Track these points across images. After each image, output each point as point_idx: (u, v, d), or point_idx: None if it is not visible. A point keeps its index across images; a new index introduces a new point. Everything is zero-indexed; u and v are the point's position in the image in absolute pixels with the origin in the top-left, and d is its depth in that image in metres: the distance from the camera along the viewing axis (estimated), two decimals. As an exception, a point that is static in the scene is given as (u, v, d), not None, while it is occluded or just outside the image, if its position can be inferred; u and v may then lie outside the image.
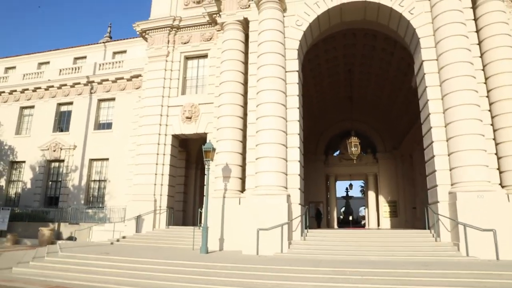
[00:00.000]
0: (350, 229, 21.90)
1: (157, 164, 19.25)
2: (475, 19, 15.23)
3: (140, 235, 17.95)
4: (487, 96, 14.52)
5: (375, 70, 26.02)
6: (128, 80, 25.14)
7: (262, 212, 14.21)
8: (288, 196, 14.83)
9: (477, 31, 15.09)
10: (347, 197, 60.09)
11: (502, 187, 13.75)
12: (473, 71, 14.03)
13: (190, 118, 19.32)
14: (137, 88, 24.62)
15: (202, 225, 14.46)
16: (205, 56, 20.50)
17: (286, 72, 16.16)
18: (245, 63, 17.62)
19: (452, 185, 13.85)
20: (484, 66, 14.74)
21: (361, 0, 15.94)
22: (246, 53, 17.72)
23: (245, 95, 17.37)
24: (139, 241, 17.23)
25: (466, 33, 14.38)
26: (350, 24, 17.99)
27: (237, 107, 17.05)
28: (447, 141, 14.21)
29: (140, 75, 24.17)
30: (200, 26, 20.52)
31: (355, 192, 79.21)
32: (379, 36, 21.05)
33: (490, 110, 14.42)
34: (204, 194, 17.89)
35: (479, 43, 14.93)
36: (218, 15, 18.78)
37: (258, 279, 9.92)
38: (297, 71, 16.44)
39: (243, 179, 16.92)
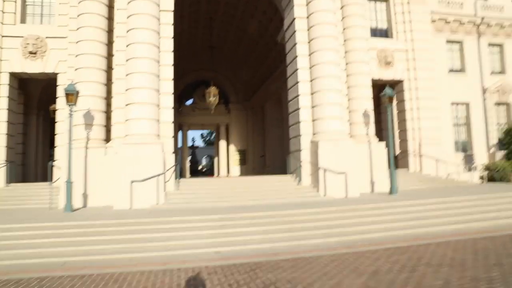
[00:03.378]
0: (216, 177, 22.60)
1: (-11, 108, 15.48)
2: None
3: (-30, 196, 14.51)
4: (344, 57, 16.52)
5: (237, 21, 26.24)
6: None
7: (135, 162, 13.25)
8: (162, 145, 14.21)
9: (341, -2, 16.84)
10: (193, 147, 61.32)
11: (351, 136, 16.24)
12: (337, 33, 15.65)
13: (35, 53, 15.86)
14: None
15: (66, 180, 12.56)
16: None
17: (160, 11, 14.77)
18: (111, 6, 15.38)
19: (314, 134, 15.60)
20: (344, 29, 16.59)
21: None
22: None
23: (110, 32, 15.28)
24: (-28, 203, 13.95)
25: (333, -2, 15.79)
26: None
27: (101, 45, 14.86)
28: (311, 94, 15.74)
29: None
30: None
31: (198, 142, 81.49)
32: (246, -13, 21.13)
33: (346, 70, 16.50)
34: (56, 145, 15.98)
35: (342, 8, 16.64)
36: None
37: (150, 233, 9.41)
38: (172, 11, 15.21)
39: (107, 127, 15.32)
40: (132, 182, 12.95)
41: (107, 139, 15.20)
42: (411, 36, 19.74)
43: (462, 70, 24.42)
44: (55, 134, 16.13)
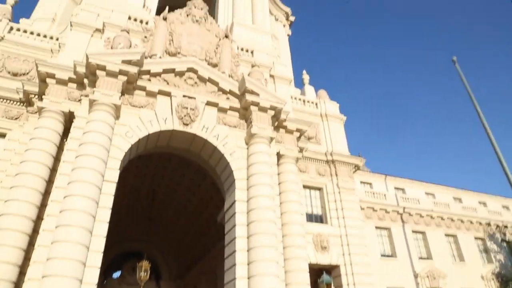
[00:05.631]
0: None
1: None
2: (278, 174, 18.50)
3: None
4: (282, 241, 16.78)
5: (179, 196, 26.68)
6: None
7: None
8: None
9: (279, 184, 18.22)
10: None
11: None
12: (275, 218, 16.28)
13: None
14: None
15: None
16: (2, 135, 16.76)
17: (103, 180, 14.79)
18: (57, 159, 15.60)
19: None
20: (281, 214, 17.38)
21: (192, 133, 17.08)
22: (60, 148, 15.83)
23: (46, 194, 14.80)
24: None
25: (272, 184, 17.01)
26: (174, 149, 18.65)
27: (32, 206, 14.07)
28: (248, 278, 15.12)
29: None
30: (8, 101, 17.12)
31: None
32: (192, 166, 22.26)
33: (283, 253, 16.54)
34: None
35: (280, 194, 17.85)
36: (38, 97, 16.42)
37: None
38: (116, 182, 15.28)
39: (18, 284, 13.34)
40: None
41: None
42: (344, 222, 21.02)
43: (393, 254, 25.69)
44: None
